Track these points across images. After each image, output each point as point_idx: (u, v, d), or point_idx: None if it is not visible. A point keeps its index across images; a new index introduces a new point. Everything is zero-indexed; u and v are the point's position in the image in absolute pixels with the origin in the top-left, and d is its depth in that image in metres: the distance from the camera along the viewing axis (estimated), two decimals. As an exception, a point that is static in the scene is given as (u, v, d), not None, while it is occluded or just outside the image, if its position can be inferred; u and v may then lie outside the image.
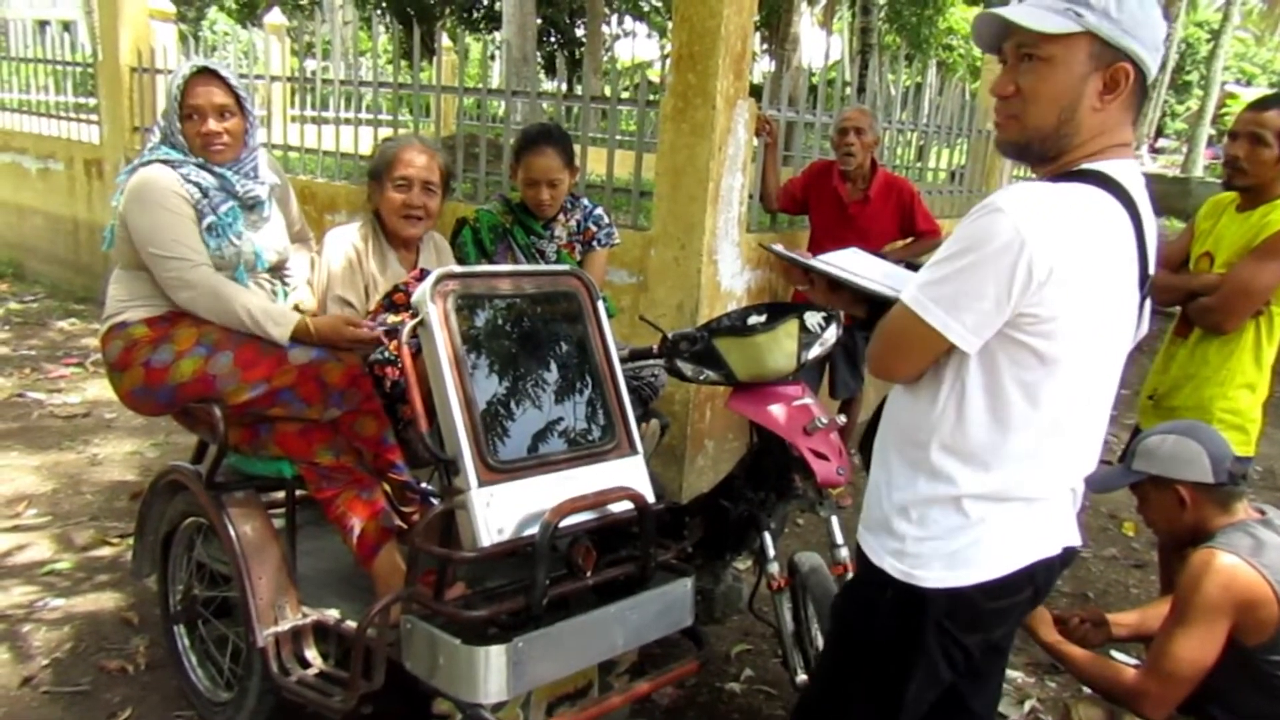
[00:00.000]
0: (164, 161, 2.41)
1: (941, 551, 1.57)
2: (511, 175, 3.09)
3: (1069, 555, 1.67)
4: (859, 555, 1.71)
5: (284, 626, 2.37)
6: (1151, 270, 1.57)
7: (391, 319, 2.41)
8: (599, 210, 3.15)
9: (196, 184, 2.41)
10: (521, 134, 3.06)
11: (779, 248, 1.95)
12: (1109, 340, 1.55)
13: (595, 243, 3.11)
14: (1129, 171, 1.52)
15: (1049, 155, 1.53)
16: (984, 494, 1.55)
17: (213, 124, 2.42)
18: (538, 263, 2.98)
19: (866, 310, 1.71)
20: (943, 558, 1.57)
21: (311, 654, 2.40)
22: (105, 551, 3.58)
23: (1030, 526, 1.58)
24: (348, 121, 5.64)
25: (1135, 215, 1.50)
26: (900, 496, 1.61)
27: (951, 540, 1.56)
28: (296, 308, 2.62)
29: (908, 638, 1.62)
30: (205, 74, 2.42)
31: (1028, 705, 2.98)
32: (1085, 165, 1.50)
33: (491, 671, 1.89)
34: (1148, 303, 1.63)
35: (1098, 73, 1.46)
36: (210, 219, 2.40)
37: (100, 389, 5.33)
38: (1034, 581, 1.62)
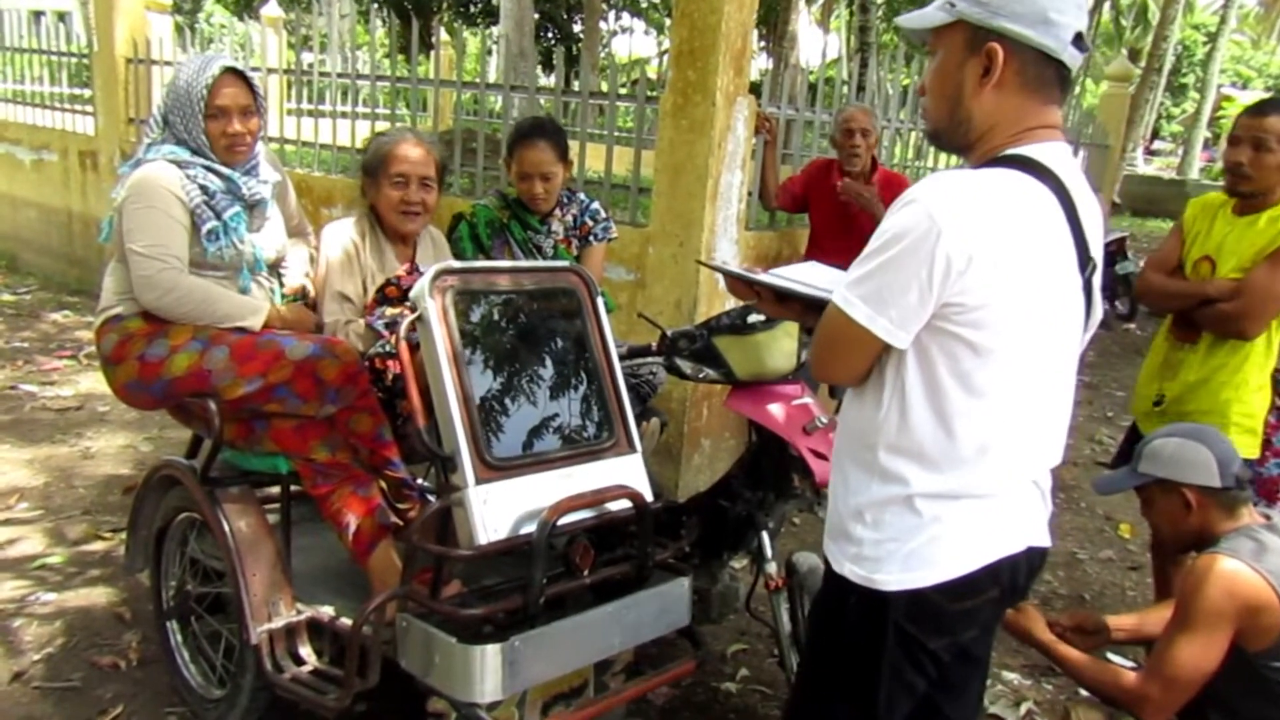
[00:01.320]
0: (171, 160, 2.38)
1: (898, 553, 1.54)
2: (506, 169, 3.07)
3: (1039, 556, 1.65)
4: (825, 564, 1.68)
5: (278, 623, 2.35)
6: (1093, 253, 1.55)
7: (390, 312, 2.39)
8: (596, 204, 3.13)
9: (202, 186, 2.38)
10: (514, 127, 3.04)
11: (719, 264, 1.93)
12: (1050, 327, 1.52)
13: (592, 237, 3.09)
14: (1054, 154, 1.50)
15: (961, 145, 1.56)
16: (936, 492, 1.53)
17: (238, 125, 2.40)
18: (535, 258, 2.97)
19: (819, 320, 1.66)
20: (899, 559, 1.54)
21: (306, 651, 2.38)
22: (97, 546, 3.56)
23: (988, 523, 1.55)
24: (344, 115, 5.61)
25: (1065, 197, 1.49)
26: (855, 501, 1.59)
27: (907, 541, 1.54)
28: (300, 294, 2.60)
29: (874, 643, 1.59)
30: (231, 74, 2.40)
31: (1024, 707, 2.97)
32: (1008, 151, 1.49)
33: (487, 670, 1.88)
34: (1097, 288, 1.61)
35: (974, 58, 1.48)
36: (213, 224, 2.37)
37: (93, 382, 5.31)
38: (998, 581, 1.59)
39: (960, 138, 1.55)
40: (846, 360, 1.55)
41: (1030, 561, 1.63)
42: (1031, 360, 1.51)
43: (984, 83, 1.48)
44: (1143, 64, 20.62)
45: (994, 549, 1.56)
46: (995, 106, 1.50)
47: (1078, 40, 1.47)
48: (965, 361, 1.47)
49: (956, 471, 1.52)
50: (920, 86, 1.60)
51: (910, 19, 1.56)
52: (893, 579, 1.54)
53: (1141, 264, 9.93)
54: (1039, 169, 1.47)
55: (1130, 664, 2.75)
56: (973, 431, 1.50)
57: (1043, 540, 1.64)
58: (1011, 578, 1.61)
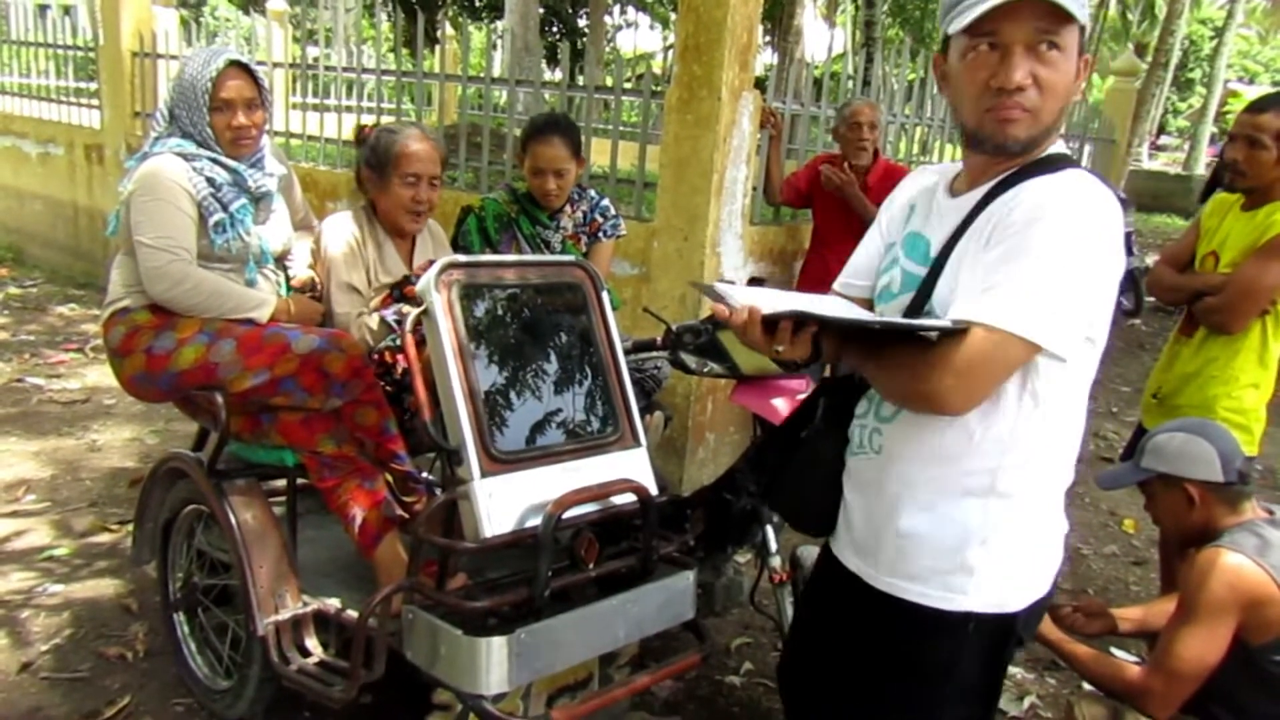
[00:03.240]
0: (177, 153, 2.39)
1: (1024, 568, 1.52)
2: (518, 164, 3.06)
3: None
4: (907, 609, 1.54)
5: (284, 615, 2.36)
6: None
7: (406, 309, 2.40)
8: (605, 201, 3.13)
9: (209, 179, 2.39)
10: (529, 123, 3.04)
11: (716, 285, 1.75)
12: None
13: (601, 234, 3.09)
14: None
15: (1037, 146, 1.45)
16: (1045, 500, 1.53)
17: (243, 118, 2.41)
18: (542, 253, 2.97)
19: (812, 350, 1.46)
20: (1025, 573, 1.52)
21: (312, 643, 2.39)
22: (104, 538, 3.57)
23: (1063, 521, 1.58)
24: (349, 109, 5.62)
25: None
26: (964, 532, 1.49)
27: (1033, 554, 1.53)
28: (309, 286, 2.62)
29: (994, 667, 1.58)
30: (236, 67, 2.41)
31: (1027, 701, 2.98)
32: (1051, 151, 1.46)
33: (493, 662, 1.88)
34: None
35: (1078, 60, 1.41)
36: (220, 216, 2.38)
37: (100, 375, 5.32)
38: None
39: (1045, 138, 1.45)
40: (992, 386, 1.41)
41: None
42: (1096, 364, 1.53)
43: (1077, 86, 1.43)
44: (1149, 59, 20.55)
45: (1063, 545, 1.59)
46: None
47: None
48: (1077, 370, 1.46)
49: (1055, 477, 1.52)
50: (1030, 80, 1.38)
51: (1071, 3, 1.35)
52: (1022, 596, 1.52)
53: (1147, 259, 9.95)
54: (1090, 171, 1.46)
55: (1134, 658, 2.76)
56: (1070, 437, 1.51)
57: None
58: None
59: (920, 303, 1.50)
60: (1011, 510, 1.49)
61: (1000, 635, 1.54)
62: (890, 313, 1.55)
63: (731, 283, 1.84)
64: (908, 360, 1.40)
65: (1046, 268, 1.34)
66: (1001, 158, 1.46)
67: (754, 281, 1.71)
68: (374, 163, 2.63)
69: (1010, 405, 1.44)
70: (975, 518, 1.48)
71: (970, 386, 1.37)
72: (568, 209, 3.04)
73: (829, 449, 1.66)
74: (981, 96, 1.40)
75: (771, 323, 1.37)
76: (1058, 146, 1.48)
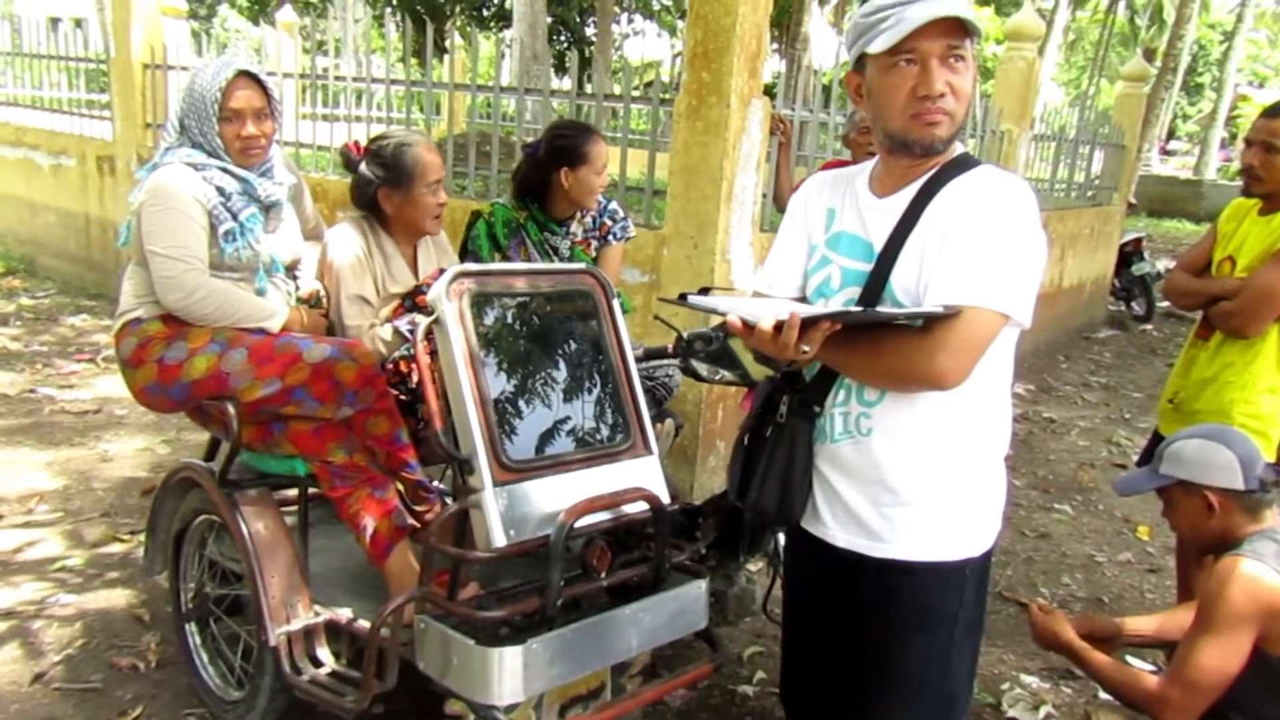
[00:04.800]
0: (187, 163, 2.40)
1: (996, 508, 1.74)
2: (556, 177, 2.91)
3: None
4: (899, 585, 1.70)
5: (296, 625, 2.36)
6: None
7: (419, 318, 2.39)
8: (613, 204, 3.13)
9: (219, 188, 2.39)
10: (572, 132, 2.97)
11: (691, 298, 1.70)
12: None
13: (611, 237, 3.09)
14: None
15: (949, 145, 1.62)
16: (1001, 450, 1.73)
17: (252, 128, 2.41)
18: (551, 259, 2.97)
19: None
20: (997, 512, 1.74)
21: (324, 653, 2.38)
22: (116, 548, 3.58)
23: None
24: (359, 119, 5.63)
25: None
26: (954, 490, 1.67)
27: (1000, 496, 1.74)
28: (315, 299, 2.62)
29: (983, 594, 1.78)
30: (245, 77, 2.41)
31: (1043, 710, 2.95)
32: (958, 153, 1.64)
33: (505, 672, 1.88)
34: None
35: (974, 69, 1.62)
36: (229, 225, 2.39)
37: (111, 385, 5.34)
38: None
39: (957, 138, 1.64)
40: (979, 359, 1.58)
41: None
42: None
43: (974, 90, 1.63)
44: (1158, 64, 20.52)
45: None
46: None
47: None
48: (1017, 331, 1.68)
49: (1008, 429, 1.74)
50: (947, 89, 1.56)
51: (975, 17, 1.56)
52: (995, 530, 1.74)
53: (1159, 264, 9.91)
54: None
55: (1150, 667, 2.73)
56: (1010, 392, 1.74)
57: None
58: None
59: (873, 294, 1.64)
60: (984, 462, 1.70)
61: (986, 567, 1.77)
62: (834, 305, 1.70)
63: (707, 291, 1.90)
64: (903, 346, 1.56)
65: (1007, 251, 1.55)
66: (925, 158, 1.63)
67: (703, 291, 1.72)
68: (392, 179, 2.58)
69: (978, 373, 1.59)
70: (963, 476, 1.68)
71: (966, 362, 1.55)
72: (576, 214, 3.04)
73: (804, 441, 1.76)
74: (908, 105, 1.57)
75: (805, 326, 1.48)
76: (959, 147, 1.67)
